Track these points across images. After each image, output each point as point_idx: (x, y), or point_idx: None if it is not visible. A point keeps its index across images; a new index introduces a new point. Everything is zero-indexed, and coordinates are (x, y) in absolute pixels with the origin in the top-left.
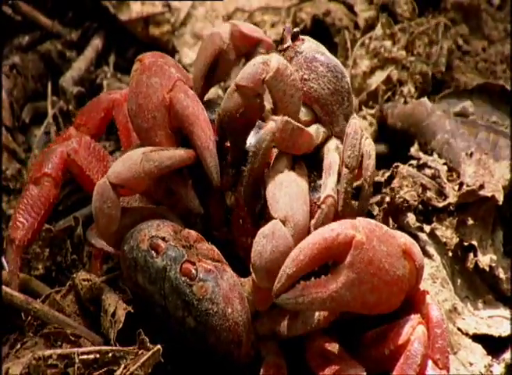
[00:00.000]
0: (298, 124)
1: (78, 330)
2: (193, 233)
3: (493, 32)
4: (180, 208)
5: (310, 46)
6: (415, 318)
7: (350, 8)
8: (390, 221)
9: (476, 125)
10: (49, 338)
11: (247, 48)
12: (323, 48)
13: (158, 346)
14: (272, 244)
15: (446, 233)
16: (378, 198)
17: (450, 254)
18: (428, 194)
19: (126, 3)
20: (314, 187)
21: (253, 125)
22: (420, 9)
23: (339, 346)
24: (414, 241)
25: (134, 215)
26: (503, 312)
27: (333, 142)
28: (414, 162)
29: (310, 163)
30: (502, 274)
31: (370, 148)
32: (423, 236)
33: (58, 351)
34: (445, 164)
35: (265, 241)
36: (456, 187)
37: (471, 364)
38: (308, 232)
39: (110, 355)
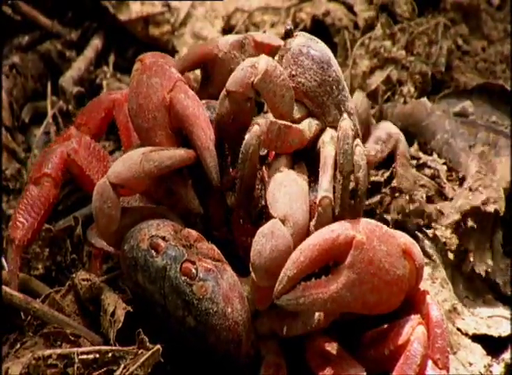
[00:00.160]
0: (285, 122)
1: (78, 329)
2: (193, 232)
3: (493, 32)
4: (180, 208)
5: (299, 42)
6: (415, 318)
7: (350, 8)
8: (390, 220)
9: (476, 125)
10: (49, 338)
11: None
12: (314, 42)
13: (158, 346)
14: (272, 244)
15: (446, 233)
16: (377, 197)
17: (450, 254)
18: (429, 193)
19: (126, 3)
20: (313, 186)
21: (247, 128)
22: (419, 9)
23: (339, 346)
24: (413, 240)
25: (134, 215)
26: (503, 312)
27: (328, 133)
28: (413, 162)
29: (309, 160)
30: (499, 279)
31: (360, 157)
32: (423, 236)
33: (58, 350)
34: (444, 164)
35: (265, 240)
36: (456, 187)
37: (470, 364)
38: (308, 232)
39: (110, 354)
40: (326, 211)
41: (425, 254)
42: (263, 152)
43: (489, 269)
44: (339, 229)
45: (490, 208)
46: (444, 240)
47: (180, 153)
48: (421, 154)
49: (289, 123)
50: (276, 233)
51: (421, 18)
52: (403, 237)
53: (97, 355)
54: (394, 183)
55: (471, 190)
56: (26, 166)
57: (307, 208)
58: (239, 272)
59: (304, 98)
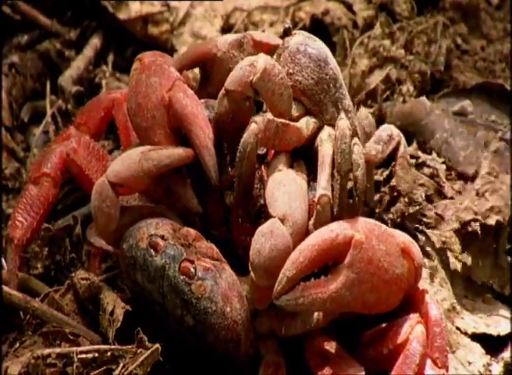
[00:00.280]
0: (283, 120)
1: (77, 328)
2: (192, 231)
3: (492, 31)
4: (179, 207)
5: (296, 40)
6: (414, 317)
7: (349, 7)
8: (389, 220)
9: (475, 124)
10: (48, 337)
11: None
12: (312, 40)
13: (157, 345)
14: (271, 243)
15: (446, 233)
16: (377, 196)
17: (449, 253)
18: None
19: (125, 2)
20: (312, 185)
21: (246, 127)
22: (419, 8)
23: (338, 345)
24: (412, 240)
25: (133, 214)
26: (502, 311)
27: (325, 131)
28: (412, 161)
29: (307, 158)
30: (495, 285)
31: (358, 156)
32: (421, 235)
33: (57, 350)
34: (443, 163)
35: (264, 239)
36: (462, 184)
37: (469, 363)
38: (307, 231)
39: (109, 354)
40: (325, 209)
41: (424, 253)
42: (262, 151)
43: (485, 280)
44: (338, 228)
45: (491, 220)
46: (444, 239)
47: (179, 152)
48: (420, 153)
49: (286, 121)
50: (275, 232)
51: (420, 17)
52: (402, 237)
53: (97, 354)
54: (393, 182)
55: (477, 194)
56: (25, 166)
57: (306, 207)
58: (238, 271)
59: (302, 96)
